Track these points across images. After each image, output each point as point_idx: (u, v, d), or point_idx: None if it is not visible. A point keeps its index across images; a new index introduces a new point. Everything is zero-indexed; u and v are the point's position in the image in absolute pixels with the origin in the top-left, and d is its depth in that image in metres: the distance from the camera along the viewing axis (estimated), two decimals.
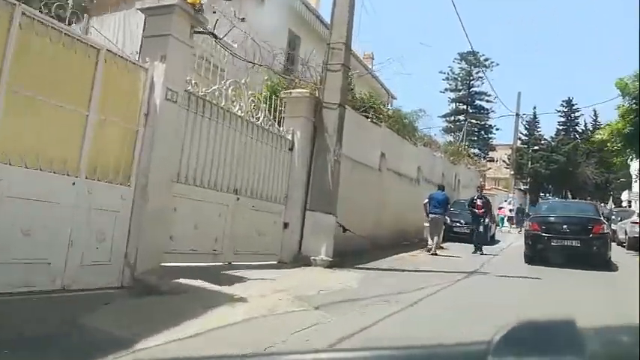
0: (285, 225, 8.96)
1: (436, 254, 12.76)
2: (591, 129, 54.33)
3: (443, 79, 50.45)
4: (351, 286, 6.96)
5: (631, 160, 17.66)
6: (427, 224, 13.88)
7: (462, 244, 15.05)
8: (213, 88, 7.11)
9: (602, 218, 12.35)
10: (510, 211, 28.59)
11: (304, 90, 9.32)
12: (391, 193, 13.83)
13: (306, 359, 1.03)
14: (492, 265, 11.27)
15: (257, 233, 8.28)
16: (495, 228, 20.76)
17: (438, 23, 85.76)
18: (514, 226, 28.38)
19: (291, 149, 9.17)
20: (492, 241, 18.81)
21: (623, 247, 19.43)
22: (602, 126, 16.14)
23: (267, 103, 8.93)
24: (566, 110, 54.59)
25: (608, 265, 11.14)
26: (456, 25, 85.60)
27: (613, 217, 23.81)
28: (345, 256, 9.93)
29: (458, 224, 16.75)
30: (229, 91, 7.43)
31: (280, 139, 8.93)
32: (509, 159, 36.93)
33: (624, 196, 36.80)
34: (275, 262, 8.80)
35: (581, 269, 10.28)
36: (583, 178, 45.86)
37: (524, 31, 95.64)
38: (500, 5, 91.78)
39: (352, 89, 14.14)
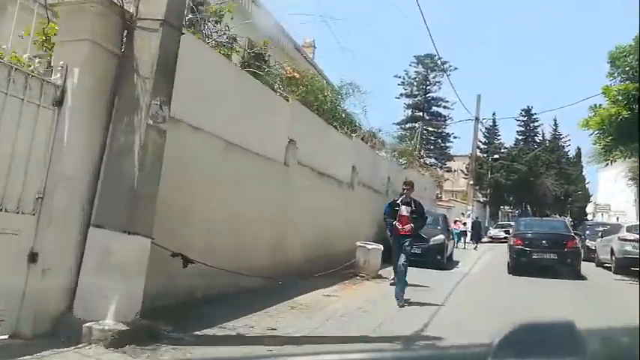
0: (33, 257, 4.28)
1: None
2: (550, 139, 52.02)
3: (398, 84, 46.83)
4: None
5: (624, 159, 13.73)
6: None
7: (414, 268, 10.78)
8: None
9: (573, 234, 14.29)
10: (464, 224, 24.60)
11: None
12: (306, 200, 9.36)
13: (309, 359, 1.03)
14: (446, 315, 6.94)
15: None
16: (453, 246, 16.64)
17: (394, 24, 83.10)
18: (469, 242, 24.36)
19: (58, 104, 4.52)
20: (450, 262, 14.69)
21: (606, 268, 15.58)
22: (590, 115, 11.89)
23: None
24: (525, 119, 51.95)
25: (579, 276, 12.73)
26: (414, 28, 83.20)
27: (588, 232, 20.12)
28: (188, 310, 5.43)
29: None
30: None
31: (25, 81, 4.28)
32: (467, 168, 33.18)
33: (589, 208, 33.69)
34: (4, 338, 4.12)
35: (559, 280, 11.57)
36: (543, 189, 42.89)
37: (487, 35, 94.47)
38: (463, 7, 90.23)
39: (267, 60, 9.72)
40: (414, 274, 10.15)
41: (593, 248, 17.59)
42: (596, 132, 12.90)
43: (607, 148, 12.78)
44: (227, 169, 6.91)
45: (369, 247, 10.11)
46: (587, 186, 54.19)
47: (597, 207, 31.18)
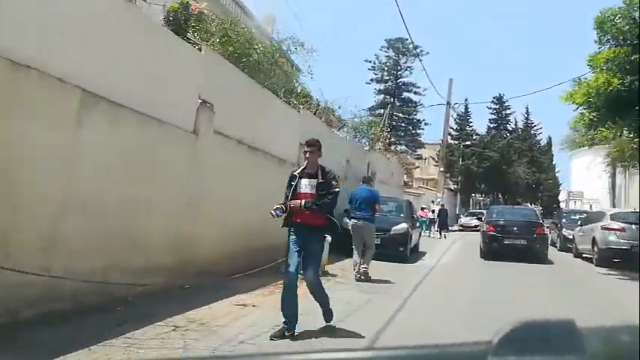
0: None
1: (365, 277, 8.23)
2: (522, 127, 50.95)
3: (369, 69, 44.85)
4: None
5: (612, 135, 12.10)
6: None
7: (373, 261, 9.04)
8: None
9: (541, 221, 14.76)
10: (433, 212, 23.06)
11: None
12: (230, 181, 7.34)
13: (306, 359, 1.04)
14: (398, 331, 5.06)
15: None
16: (419, 236, 14.89)
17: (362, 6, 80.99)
18: (436, 230, 22.80)
19: None
20: (414, 254, 12.92)
21: (586, 260, 14.03)
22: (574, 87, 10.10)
23: None
24: (497, 107, 50.63)
25: (547, 260, 13.15)
26: (387, 12, 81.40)
27: (564, 220, 18.61)
28: None
29: None
30: None
31: None
32: (438, 155, 31.51)
33: (562, 195, 32.34)
34: None
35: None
36: (515, 177, 41.72)
37: (461, 22, 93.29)
38: None
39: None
40: (371, 269, 8.43)
41: (571, 237, 16.04)
42: (580, 108, 11.14)
43: (593, 125, 11.04)
44: (89, 132, 4.79)
45: None
46: (557, 174, 53.64)
47: (570, 194, 29.65)
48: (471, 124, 42.63)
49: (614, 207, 23.99)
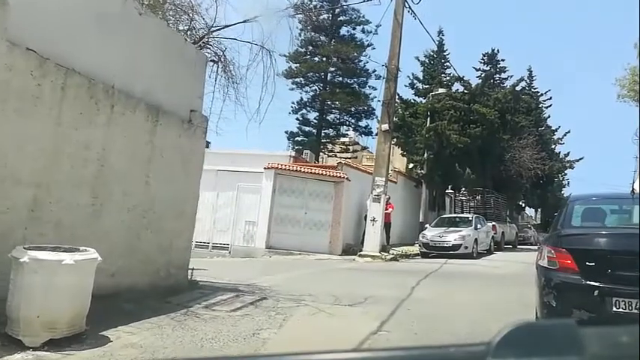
0: None
1: None
2: (525, 95, 38.07)
3: None
4: None
5: None
6: None
7: None
8: None
9: None
10: None
11: None
12: None
13: (305, 359, 1.07)
14: None
15: None
16: None
17: None
18: None
19: None
20: None
21: None
22: None
23: None
24: (487, 69, 37.70)
25: None
26: None
27: None
28: None
29: None
30: None
31: None
32: (387, 112, 17.70)
33: None
34: None
35: None
36: (516, 166, 28.55)
37: None
38: None
39: None
40: None
41: None
42: None
43: None
44: None
45: None
46: (569, 163, 40.46)
47: None
48: (446, 71, 28.86)
49: None
